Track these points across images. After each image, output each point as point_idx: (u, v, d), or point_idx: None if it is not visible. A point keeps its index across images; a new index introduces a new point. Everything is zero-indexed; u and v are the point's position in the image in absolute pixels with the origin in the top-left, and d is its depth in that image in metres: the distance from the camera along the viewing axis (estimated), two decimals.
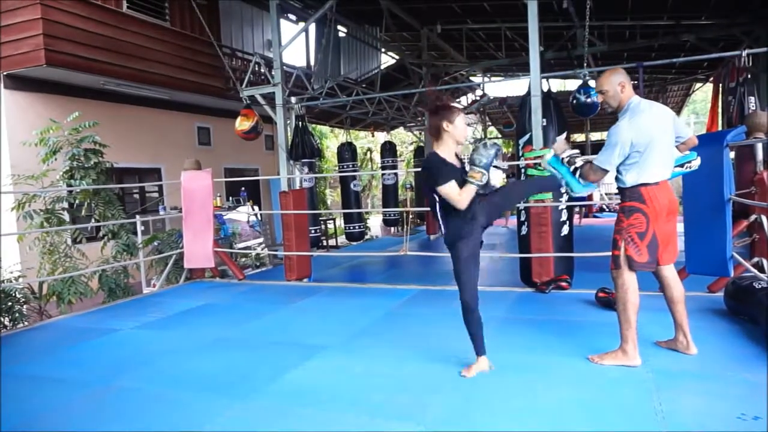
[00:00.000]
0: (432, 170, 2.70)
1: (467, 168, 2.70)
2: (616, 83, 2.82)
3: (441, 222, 2.80)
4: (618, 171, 2.82)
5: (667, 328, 3.38)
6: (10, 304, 5.30)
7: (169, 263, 6.20)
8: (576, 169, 2.89)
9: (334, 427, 2.31)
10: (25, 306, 5.58)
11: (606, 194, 18.35)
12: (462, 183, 2.65)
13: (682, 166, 2.97)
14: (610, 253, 2.89)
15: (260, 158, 11.78)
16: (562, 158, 2.93)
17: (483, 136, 18.39)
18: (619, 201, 2.92)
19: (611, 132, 2.79)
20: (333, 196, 18.70)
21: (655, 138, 2.74)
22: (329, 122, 14.40)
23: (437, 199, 2.72)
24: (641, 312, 3.68)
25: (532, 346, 3.18)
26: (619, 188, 2.91)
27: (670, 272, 2.92)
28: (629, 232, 2.78)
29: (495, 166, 2.72)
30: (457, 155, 2.82)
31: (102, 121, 6.87)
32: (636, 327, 2.80)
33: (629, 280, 2.79)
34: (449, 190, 2.63)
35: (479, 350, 2.81)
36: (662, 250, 2.85)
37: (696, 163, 3.00)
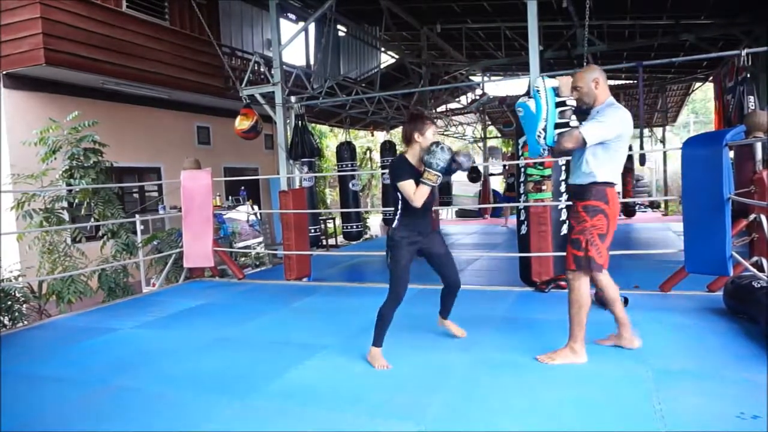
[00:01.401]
0: (395, 168, 3.00)
1: (429, 155, 2.85)
2: (590, 80, 2.78)
3: (395, 215, 3.05)
4: (587, 164, 2.75)
5: (669, 327, 3.40)
6: (9, 303, 5.30)
7: (169, 262, 6.20)
8: (564, 124, 2.69)
9: (334, 426, 2.31)
10: (24, 305, 5.58)
11: None
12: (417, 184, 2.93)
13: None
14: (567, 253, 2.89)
15: (260, 157, 11.78)
16: (561, 101, 2.72)
17: (483, 136, 18.40)
18: (577, 198, 2.84)
19: (607, 112, 2.71)
20: (333, 195, 18.70)
21: (627, 140, 2.77)
22: (329, 122, 14.41)
23: (400, 196, 2.98)
24: (640, 311, 3.69)
25: (531, 345, 3.18)
26: (580, 185, 2.82)
27: (606, 273, 2.95)
28: (592, 233, 2.76)
29: (455, 161, 2.87)
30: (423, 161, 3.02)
31: (101, 121, 6.87)
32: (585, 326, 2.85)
33: (585, 282, 2.83)
34: (407, 187, 2.91)
35: (380, 342, 3.01)
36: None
37: None
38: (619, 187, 2.90)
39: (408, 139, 3.01)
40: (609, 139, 2.69)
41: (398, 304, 3.00)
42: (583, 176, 2.78)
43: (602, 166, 2.73)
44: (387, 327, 3.00)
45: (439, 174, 2.82)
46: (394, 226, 3.04)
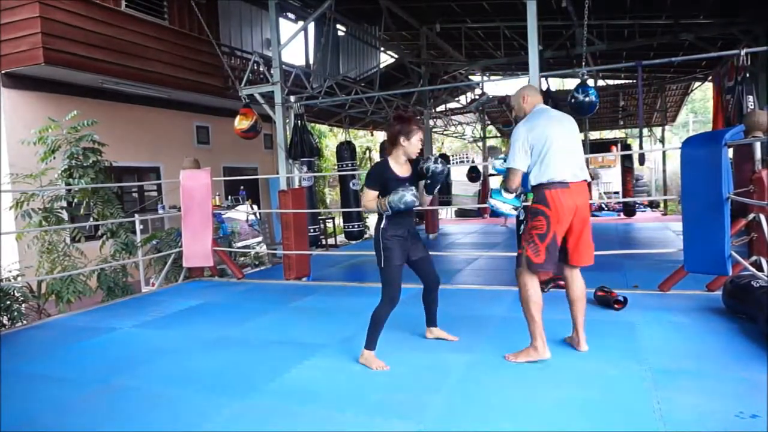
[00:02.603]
0: (370, 171, 3.02)
1: (393, 193, 2.85)
2: (519, 97, 3.04)
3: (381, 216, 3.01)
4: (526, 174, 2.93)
5: (668, 326, 3.39)
6: (8, 302, 5.29)
7: (168, 262, 6.20)
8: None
9: (333, 426, 2.31)
10: (23, 305, 5.57)
11: (605, 193, 18.38)
12: (384, 193, 2.92)
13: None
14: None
15: (259, 157, 11.78)
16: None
17: (482, 136, 18.40)
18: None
19: (511, 135, 2.95)
20: (332, 195, 18.70)
21: (550, 138, 2.83)
22: (328, 121, 14.41)
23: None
24: (639, 310, 3.69)
25: None
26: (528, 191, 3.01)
27: (574, 272, 3.05)
28: (531, 233, 2.89)
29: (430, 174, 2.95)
30: (410, 161, 3.03)
31: (101, 120, 6.87)
32: (542, 323, 2.90)
33: (530, 279, 2.93)
34: (367, 195, 2.97)
35: (373, 345, 2.98)
36: (573, 252, 2.97)
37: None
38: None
39: (393, 142, 2.95)
40: (527, 150, 2.86)
41: (393, 306, 2.98)
42: (527, 184, 2.98)
43: (533, 171, 2.88)
44: (381, 330, 2.98)
45: (389, 209, 2.86)
46: (382, 226, 2.97)
